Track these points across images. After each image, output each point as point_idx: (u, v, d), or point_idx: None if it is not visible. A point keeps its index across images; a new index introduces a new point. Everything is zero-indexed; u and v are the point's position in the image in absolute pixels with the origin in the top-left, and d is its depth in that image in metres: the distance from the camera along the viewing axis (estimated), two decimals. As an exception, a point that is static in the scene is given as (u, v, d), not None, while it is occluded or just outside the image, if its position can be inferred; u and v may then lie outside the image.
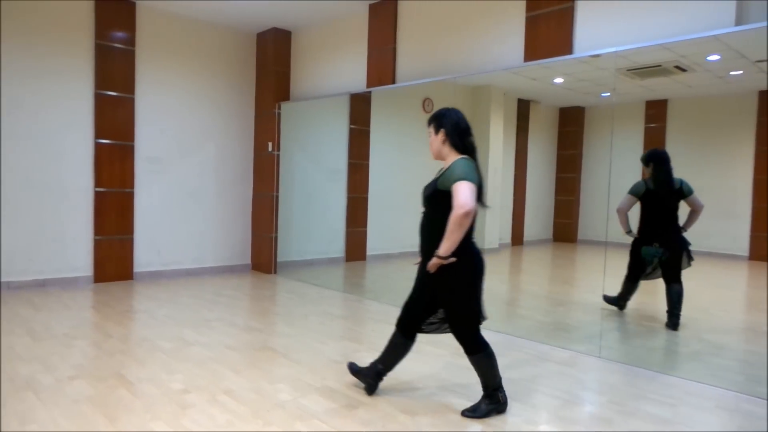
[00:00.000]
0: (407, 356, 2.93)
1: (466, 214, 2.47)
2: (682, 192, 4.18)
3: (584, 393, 3.16)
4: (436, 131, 2.75)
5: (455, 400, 2.89)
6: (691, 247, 4.23)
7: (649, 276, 4.38)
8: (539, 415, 2.77)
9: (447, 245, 2.52)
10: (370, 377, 2.95)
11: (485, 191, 2.72)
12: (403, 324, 2.87)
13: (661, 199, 4.24)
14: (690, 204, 4.19)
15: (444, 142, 2.72)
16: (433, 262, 2.58)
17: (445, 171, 2.65)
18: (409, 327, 2.85)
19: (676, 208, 4.24)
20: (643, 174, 4.35)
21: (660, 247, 4.23)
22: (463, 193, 2.47)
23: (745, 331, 4.52)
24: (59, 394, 2.83)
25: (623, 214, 4.34)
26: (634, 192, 4.31)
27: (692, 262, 4.24)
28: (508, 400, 2.79)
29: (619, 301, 4.54)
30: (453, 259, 2.56)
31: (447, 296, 2.70)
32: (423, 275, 2.75)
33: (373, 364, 2.96)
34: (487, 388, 2.73)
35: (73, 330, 4.03)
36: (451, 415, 2.73)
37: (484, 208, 2.72)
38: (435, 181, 2.69)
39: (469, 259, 2.64)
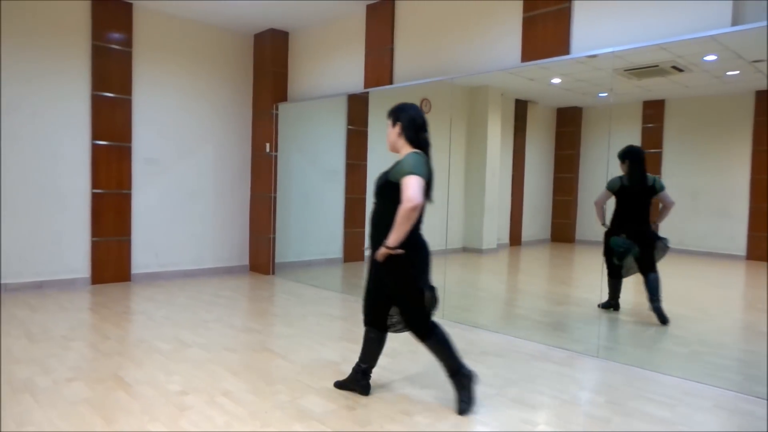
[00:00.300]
0: (406, 356, 2.92)
1: (414, 208, 2.53)
2: (654, 189, 4.29)
3: (582, 393, 3.16)
4: (393, 124, 2.82)
5: (453, 401, 2.88)
6: (689, 247, 4.25)
7: (628, 273, 4.45)
8: (537, 415, 2.76)
9: (395, 237, 2.59)
10: (359, 379, 2.96)
11: (433, 186, 2.78)
12: (369, 319, 2.91)
13: (634, 194, 4.34)
14: (661, 200, 4.30)
15: (399, 135, 2.78)
16: (382, 252, 2.65)
17: (397, 164, 2.70)
18: (376, 320, 2.89)
19: (648, 204, 4.35)
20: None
21: (628, 239, 4.32)
22: (411, 187, 2.53)
23: (744, 331, 4.53)
24: (57, 396, 2.82)
25: (599, 207, 4.52)
26: (610, 187, 4.43)
27: (668, 251, 4.31)
28: (511, 402, 2.79)
29: (611, 302, 4.57)
30: (401, 251, 2.62)
31: (392, 280, 2.74)
32: (373, 265, 2.80)
33: (357, 366, 2.98)
34: (452, 371, 2.76)
35: (71, 332, 4.02)
36: (449, 414, 2.73)
37: (431, 203, 2.78)
38: (387, 173, 2.74)
39: (416, 250, 2.71)
